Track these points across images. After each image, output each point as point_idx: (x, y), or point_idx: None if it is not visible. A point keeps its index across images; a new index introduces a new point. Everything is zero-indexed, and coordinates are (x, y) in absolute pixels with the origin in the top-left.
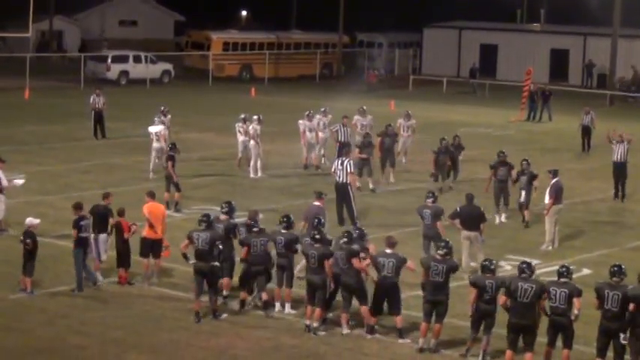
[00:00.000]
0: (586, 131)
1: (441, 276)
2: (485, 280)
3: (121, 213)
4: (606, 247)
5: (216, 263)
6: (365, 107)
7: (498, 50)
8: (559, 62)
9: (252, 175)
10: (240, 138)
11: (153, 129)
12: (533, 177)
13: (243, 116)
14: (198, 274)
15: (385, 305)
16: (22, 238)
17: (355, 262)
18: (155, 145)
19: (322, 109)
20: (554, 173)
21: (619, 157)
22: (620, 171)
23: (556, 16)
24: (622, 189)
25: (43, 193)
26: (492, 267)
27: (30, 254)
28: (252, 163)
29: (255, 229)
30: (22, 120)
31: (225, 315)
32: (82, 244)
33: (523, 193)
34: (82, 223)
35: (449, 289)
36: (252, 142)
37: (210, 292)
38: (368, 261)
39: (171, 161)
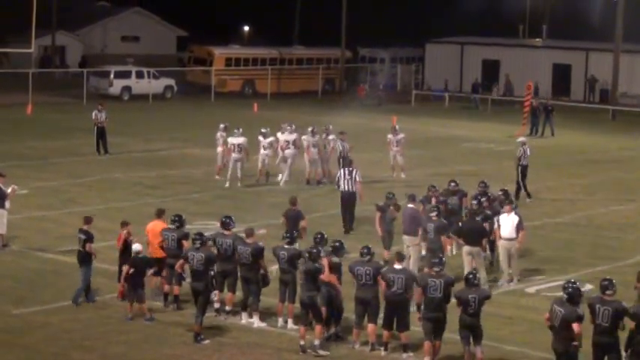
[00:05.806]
0: None
1: (439, 291)
2: (469, 294)
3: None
4: (609, 263)
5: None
6: (397, 126)
7: (500, 65)
8: (561, 77)
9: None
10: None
11: (233, 140)
12: (485, 219)
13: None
14: (194, 294)
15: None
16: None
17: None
18: (235, 155)
19: (290, 126)
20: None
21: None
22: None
23: (558, 32)
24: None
25: (45, 209)
26: (476, 281)
27: (132, 279)
28: (286, 172)
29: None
30: (25, 135)
31: (207, 341)
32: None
33: None
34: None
35: (446, 305)
36: (290, 151)
37: (199, 312)
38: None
39: (380, 212)
